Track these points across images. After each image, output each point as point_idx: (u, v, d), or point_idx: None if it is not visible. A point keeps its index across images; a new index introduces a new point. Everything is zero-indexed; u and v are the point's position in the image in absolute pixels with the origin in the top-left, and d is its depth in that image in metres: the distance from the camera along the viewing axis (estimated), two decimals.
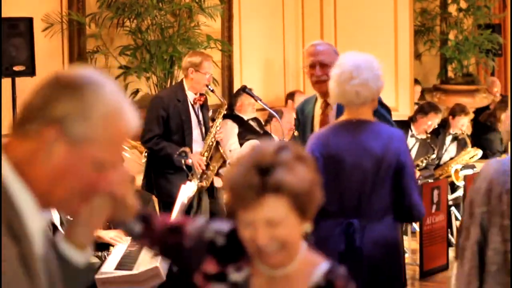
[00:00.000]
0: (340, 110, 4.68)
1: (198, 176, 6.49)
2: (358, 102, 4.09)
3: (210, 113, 6.95)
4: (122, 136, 1.83)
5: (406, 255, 7.36)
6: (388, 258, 4.09)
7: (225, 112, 7.07)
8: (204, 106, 6.71)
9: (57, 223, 4.62)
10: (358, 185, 4.03)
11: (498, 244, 2.87)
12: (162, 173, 6.52)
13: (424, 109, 8.82)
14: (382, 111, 4.66)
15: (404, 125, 7.83)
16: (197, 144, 6.63)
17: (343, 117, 4.21)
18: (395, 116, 8.47)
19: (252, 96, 6.93)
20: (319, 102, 5.02)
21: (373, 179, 4.03)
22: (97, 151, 1.77)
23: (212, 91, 6.74)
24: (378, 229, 4.05)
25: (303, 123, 5.10)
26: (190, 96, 6.60)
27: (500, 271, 2.89)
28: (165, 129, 6.54)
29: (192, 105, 6.61)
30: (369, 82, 4.07)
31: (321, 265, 2.24)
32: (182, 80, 6.69)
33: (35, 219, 1.77)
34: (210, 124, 6.78)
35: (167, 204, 6.07)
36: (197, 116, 6.64)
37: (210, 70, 6.65)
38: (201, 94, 6.65)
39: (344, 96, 4.10)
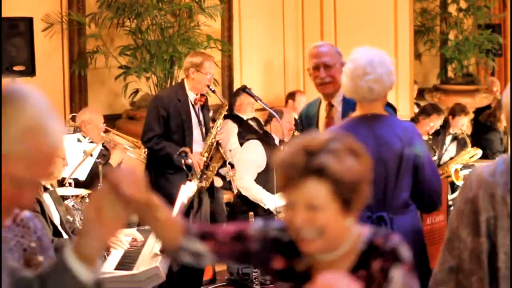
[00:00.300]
0: (345, 112, 4.69)
1: (198, 176, 6.48)
2: (371, 98, 4.09)
3: (211, 114, 6.93)
4: (43, 153, 1.76)
5: None
6: (416, 249, 4.12)
7: (226, 113, 7.07)
8: (204, 107, 6.68)
9: (57, 223, 4.62)
10: (381, 178, 4.03)
11: (508, 246, 2.85)
12: (162, 173, 6.51)
13: (426, 110, 8.81)
14: (388, 110, 4.65)
15: None
16: (198, 145, 6.62)
17: (356, 113, 4.21)
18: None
19: (252, 96, 6.92)
20: (324, 104, 4.97)
21: (395, 172, 4.06)
22: (15, 167, 1.73)
23: (213, 91, 6.70)
24: (404, 220, 4.08)
25: (307, 126, 5.06)
26: (191, 96, 6.57)
27: None
28: (165, 129, 6.53)
29: (193, 105, 6.58)
30: (383, 77, 4.08)
31: (364, 234, 2.25)
32: (183, 80, 6.65)
33: None
34: (211, 124, 6.77)
35: (166, 204, 6.06)
36: (198, 117, 6.61)
37: (212, 70, 6.62)
38: (201, 95, 6.62)
39: (357, 91, 4.09)
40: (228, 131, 7.79)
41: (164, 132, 6.52)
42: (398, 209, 4.09)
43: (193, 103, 6.57)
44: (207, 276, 6.59)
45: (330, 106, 4.94)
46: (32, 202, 1.84)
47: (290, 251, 2.26)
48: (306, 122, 5.09)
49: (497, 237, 2.81)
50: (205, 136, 6.66)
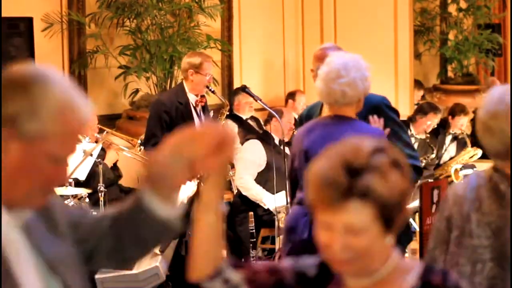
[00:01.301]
0: None
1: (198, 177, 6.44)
2: (343, 101, 4.07)
3: (211, 114, 6.89)
4: (75, 129, 1.85)
5: (406, 255, 7.37)
6: None
7: (227, 113, 7.04)
8: (205, 108, 6.62)
9: None
10: None
11: (465, 267, 2.81)
12: None
13: (423, 109, 8.82)
14: (391, 113, 4.64)
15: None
16: None
17: (327, 113, 4.26)
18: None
19: (252, 95, 6.91)
20: (326, 108, 4.86)
21: None
22: (51, 147, 1.80)
23: (213, 91, 6.64)
24: None
25: None
26: (192, 98, 6.47)
27: None
28: (168, 133, 6.41)
29: (194, 107, 6.51)
30: (357, 82, 4.06)
31: (415, 269, 2.04)
32: (182, 82, 6.57)
33: None
34: None
35: None
36: (200, 118, 6.51)
37: (210, 70, 6.54)
38: (202, 96, 6.54)
39: (330, 95, 4.07)
40: None
41: (167, 136, 6.39)
42: None
43: (194, 105, 6.50)
44: None
45: None
46: (66, 178, 1.91)
47: (316, 285, 2.08)
48: None
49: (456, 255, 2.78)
50: None
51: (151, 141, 6.40)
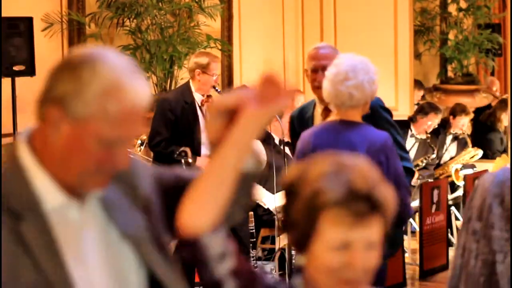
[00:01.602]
0: None
1: None
2: (350, 104, 4.06)
3: None
4: (127, 111, 1.78)
5: (406, 255, 7.37)
6: None
7: None
8: None
9: None
10: None
11: (484, 255, 2.86)
12: None
13: (424, 109, 8.83)
14: (385, 114, 4.62)
15: (404, 125, 7.85)
16: (205, 147, 6.49)
17: (330, 118, 4.22)
18: (395, 116, 8.47)
19: None
20: (319, 108, 4.85)
21: None
22: (100, 128, 1.77)
23: (219, 92, 6.61)
24: None
25: (301, 131, 4.83)
26: (197, 98, 6.44)
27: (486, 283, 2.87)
28: (173, 132, 6.41)
29: (200, 107, 6.49)
30: (364, 84, 4.04)
31: None
32: (188, 82, 6.55)
33: (51, 198, 1.81)
34: None
35: None
36: (205, 118, 6.48)
37: (217, 71, 6.52)
38: (208, 96, 6.52)
39: (337, 96, 4.07)
40: None
41: (172, 135, 6.39)
42: None
43: (200, 104, 6.47)
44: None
45: (327, 111, 4.73)
46: (126, 161, 1.84)
47: None
48: (299, 125, 4.94)
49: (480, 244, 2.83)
50: None
51: (155, 139, 6.37)
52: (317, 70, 4.75)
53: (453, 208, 8.20)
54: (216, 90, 6.60)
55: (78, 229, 1.84)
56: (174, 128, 6.39)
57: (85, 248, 1.84)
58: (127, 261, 1.88)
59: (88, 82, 1.78)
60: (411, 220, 7.59)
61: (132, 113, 1.80)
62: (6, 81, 6.79)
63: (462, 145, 9.03)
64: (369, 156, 4.01)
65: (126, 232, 1.88)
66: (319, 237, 1.82)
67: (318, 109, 4.87)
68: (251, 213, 6.25)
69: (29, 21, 6.92)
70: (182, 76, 8.02)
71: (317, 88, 4.77)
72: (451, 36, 11.03)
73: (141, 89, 1.82)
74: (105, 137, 1.77)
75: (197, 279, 5.79)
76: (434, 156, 8.68)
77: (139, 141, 6.94)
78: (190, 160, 6.27)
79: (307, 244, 1.85)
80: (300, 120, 4.95)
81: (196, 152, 6.39)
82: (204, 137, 6.47)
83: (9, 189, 1.80)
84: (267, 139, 7.14)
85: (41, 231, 1.79)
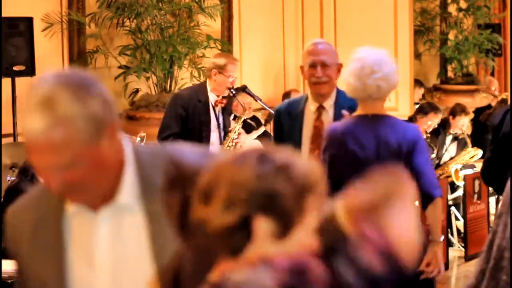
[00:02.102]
0: (337, 116, 4.55)
1: None
2: (377, 96, 4.13)
3: (232, 117, 6.76)
4: (27, 143, 1.83)
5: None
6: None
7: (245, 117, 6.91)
8: (226, 110, 6.48)
9: None
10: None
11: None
12: None
13: (424, 109, 8.82)
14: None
15: None
16: (214, 147, 6.36)
17: (357, 112, 4.23)
18: (395, 115, 8.47)
19: (252, 95, 6.89)
20: (313, 105, 4.73)
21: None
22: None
23: (234, 95, 6.53)
24: None
25: (289, 127, 4.77)
26: (212, 97, 6.34)
27: None
28: (183, 128, 6.36)
29: (213, 107, 6.44)
30: (390, 76, 4.13)
31: None
32: (205, 81, 6.50)
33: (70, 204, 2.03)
34: (230, 128, 6.60)
35: None
36: (217, 119, 6.38)
37: (235, 73, 6.41)
38: (223, 97, 6.43)
39: (365, 90, 4.11)
40: None
41: (181, 131, 6.35)
42: None
43: (213, 104, 6.43)
44: None
45: (321, 108, 4.72)
46: (54, 186, 1.86)
47: None
48: (287, 120, 4.78)
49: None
50: (223, 140, 6.49)
51: (165, 133, 6.31)
52: (315, 65, 4.66)
53: (453, 208, 8.21)
54: (232, 93, 6.47)
55: (90, 233, 1.93)
56: (184, 124, 6.33)
57: (95, 251, 1.93)
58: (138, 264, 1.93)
59: None
60: None
61: (28, 145, 1.81)
62: (6, 81, 6.79)
63: (462, 145, 9.02)
64: (401, 147, 4.09)
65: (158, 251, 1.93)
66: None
67: (311, 107, 4.75)
68: None
69: (29, 21, 6.93)
70: (182, 76, 8.02)
71: (315, 84, 4.70)
72: (451, 36, 11.03)
73: (29, 124, 1.79)
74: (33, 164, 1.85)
75: None
76: (434, 156, 8.68)
77: (138, 138, 6.91)
78: None
79: None
80: (288, 115, 4.80)
81: None
82: (214, 137, 6.42)
83: None
84: (264, 136, 7.14)
85: (54, 232, 1.93)
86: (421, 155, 4.14)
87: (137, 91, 8.04)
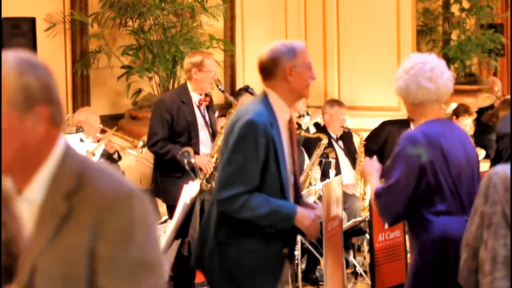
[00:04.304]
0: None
1: (207, 177, 6.42)
2: (445, 97, 4.04)
3: (216, 114, 6.85)
4: None
5: (408, 255, 7.35)
6: None
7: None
8: (210, 108, 6.59)
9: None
10: (471, 180, 3.97)
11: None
12: (169, 176, 6.44)
13: (457, 111, 8.80)
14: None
15: (404, 124, 7.82)
16: (205, 146, 6.49)
17: (428, 117, 4.02)
18: (397, 116, 8.47)
19: (255, 96, 6.89)
20: (286, 112, 4.22)
21: (477, 173, 4.03)
22: None
23: (223, 91, 6.62)
24: None
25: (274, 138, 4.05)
26: (195, 97, 6.45)
27: None
28: (170, 132, 6.43)
29: (198, 107, 6.50)
30: (452, 78, 4.08)
31: None
32: (185, 83, 6.57)
33: None
34: (219, 125, 6.65)
35: (173, 208, 5.83)
36: (204, 118, 6.49)
37: (213, 67, 6.51)
38: (206, 95, 6.53)
39: (438, 91, 3.99)
40: None
41: (169, 135, 6.43)
42: None
43: (197, 104, 6.49)
44: (199, 279, 6.47)
45: (291, 119, 4.23)
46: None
47: None
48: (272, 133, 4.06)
49: None
50: (212, 137, 6.56)
51: (152, 140, 6.42)
52: (311, 67, 4.22)
53: None
54: (220, 89, 6.61)
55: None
56: (172, 127, 6.42)
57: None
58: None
59: None
60: None
61: None
62: None
63: None
64: (474, 148, 4.12)
65: None
66: None
67: (285, 114, 4.20)
68: None
69: (31, 21, 6.93)
70: (184, 76, 8.02)
71: (307, 87, 4.22)
72: (453, 36, 11.02)
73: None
74: None
75: (197, 280, 5.80)
76: None
77: (141, 143, 6.94)
78: (193, 160, 6.27)
79: None
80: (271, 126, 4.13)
81: (195, 151, 6.39)
82: (203, 136, 6.49)
83: None
84: None
85: None
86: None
87: (139, 91, 8.04)
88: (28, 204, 2.01)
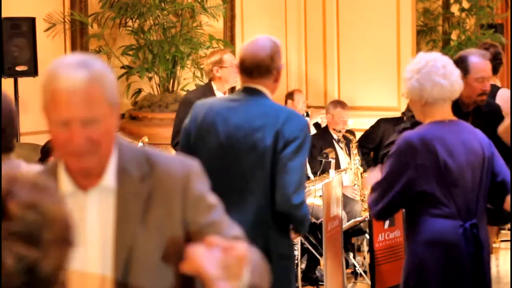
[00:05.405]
0: None
1: None
2: (457, 95, 3.92)
3: None
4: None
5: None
6: (489, 259, 4.00)
7: None
8: None
9: None
10: (470, 184, 3.85)
11: None
12: None
13: None
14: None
15: (398, 122, 7.82)
16: None
17: (435, 118, 3.92)
18: (397, 116, 8.47)
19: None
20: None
21: (480, 177, 3.88)
22: (47, 113, 2.05)
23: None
24: (484, 228, 3.91)
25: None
26: (220, 96, 6.43)
27: None
28: None
29: None
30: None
31: None
32: (209, 82, 6.47)
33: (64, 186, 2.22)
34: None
35: None
36: None
37: (234, 61, 6.41)
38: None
39: (452, 88, 3.88)
40: None
41: None
42: (482, 216, 3.90)
43: None
44: None
45: None
46: (77, 140, 2.10)
47: None
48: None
49: None
50: None
51: (175, 139, 6.32)
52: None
53: None
54: None
55: (81, 212, 2.10)
56: None
57: (87, 229, 2.11)
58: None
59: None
60: None
61: (59, 100, 2.01)
62: (9, 82, 6.80)
63: None
64: (484, 151, 3.91)
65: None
66: None
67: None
68: None
69: (31, 21, 6.93)
70: (184, 76, 8.03)
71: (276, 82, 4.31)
72: (453, 36, 11.02)
73: (66, 78, 2.00)
74: (52, 119, 2.03)
75: None
76: None
77: (141, 143, 6.92)
78: None
79: None
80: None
81: None
82: None
83: None
84: None
85: None
86: (498, 155, 3.98)
87: (139, 91, 8.05)
88: (103, 195, 2.10)
